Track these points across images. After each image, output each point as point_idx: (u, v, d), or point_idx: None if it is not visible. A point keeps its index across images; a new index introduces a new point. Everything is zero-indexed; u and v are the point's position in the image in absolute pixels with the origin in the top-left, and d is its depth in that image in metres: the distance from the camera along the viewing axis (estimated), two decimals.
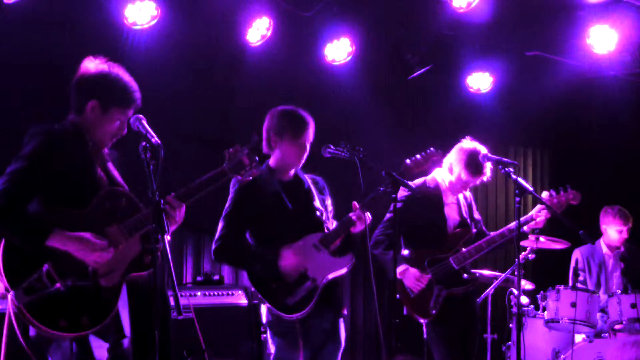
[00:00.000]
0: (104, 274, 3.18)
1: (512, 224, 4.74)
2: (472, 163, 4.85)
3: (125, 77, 3.38)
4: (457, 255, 4.83)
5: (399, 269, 4.70)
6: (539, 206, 4.88)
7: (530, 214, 4.91)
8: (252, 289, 4.23)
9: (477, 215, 5.14)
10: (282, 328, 4.11)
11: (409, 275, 4.78)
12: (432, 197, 4.90)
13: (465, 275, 4.88)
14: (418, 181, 4.93)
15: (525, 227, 4.90)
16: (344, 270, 4.23)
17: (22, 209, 3.08)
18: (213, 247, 4.19)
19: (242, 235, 4.22)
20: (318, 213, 4.27)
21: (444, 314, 4.78)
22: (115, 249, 3.19)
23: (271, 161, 4.28)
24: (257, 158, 3.59)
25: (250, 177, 3.57)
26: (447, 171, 4.96)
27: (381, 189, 4.15)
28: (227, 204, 4.19)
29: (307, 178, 4.37)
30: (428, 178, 4.99)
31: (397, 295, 4.90)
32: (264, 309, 4.17)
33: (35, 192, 3.14)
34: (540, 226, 4.94)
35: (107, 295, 3.19)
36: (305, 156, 4.24)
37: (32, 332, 3.10)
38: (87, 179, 3.25)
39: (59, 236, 3.08)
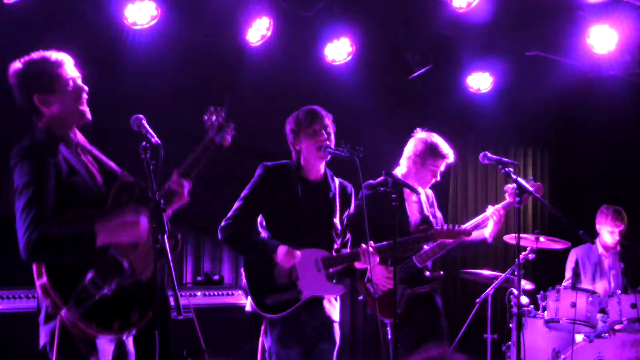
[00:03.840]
0: (141, 270, 3.18)
1: (471, 223, 4.81)
2: (431, 150, 4.84)
3: (37, 54, 3.27)
4: (420, 254, 4.77)
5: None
6: (492, 208, 4.86)
7: (485, 214, 4.88)
8: (242, 275, 4.22)
9: (438, 213, 5.07)
10: (268, 325, 4.13)
11: (377, 274, 4.61)
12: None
13: (428, 273, 4.83)
14: (380, 179, 4.76)
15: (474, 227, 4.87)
16: (331, 296, 4.22)
17: (54, 232, 2.99)
18: (222, 224, 4.19)
19: (254, 220, 4.22)
20: (333, 232, 4.24)
21: (408, 314, 4.72)
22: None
23: (301, 160, 4.27)
24: (231, 120, 3.52)
25: (230, 139, 3.50)
26: (406, 168, 4.92)
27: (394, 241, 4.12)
28: (247, 187, 4.22)
29: (337, 185, 4.34)
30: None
31: (360, 297, 4.89)
32: (248, 300, 4.17)
33: (54, 208, 3.06)
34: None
35: (147, 288, 3.18)
36: (324, 143, 4.15)
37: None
38: (83, 177, 3.22)
39: (105, 232, 3.04)
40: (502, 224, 4.92)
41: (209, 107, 3.50)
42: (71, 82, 3.24)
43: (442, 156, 4.87)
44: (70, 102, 3.24)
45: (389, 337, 4.71)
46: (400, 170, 4.94)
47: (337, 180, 4.36)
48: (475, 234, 4.86)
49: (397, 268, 4.60)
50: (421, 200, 4.96)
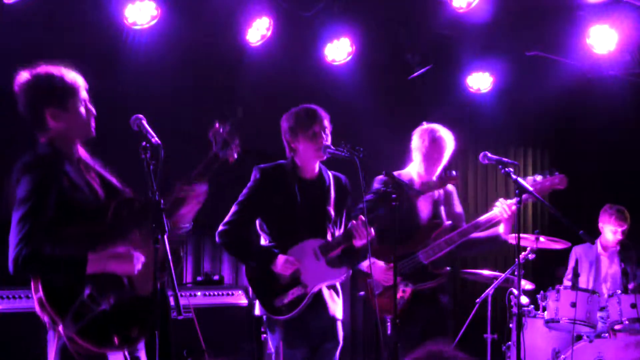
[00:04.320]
0: (142, 285, 3.17)
1: (484, 217, 4.67)
2: (429, 137, 4.76)
3: (55, 69, 3.26)
4: (426, 249, 4.65)
5: (364, 264, 4.55)
6: (501, 203, 4.70)
7: (494, 212, 4.71)
8: (247, 283, 4.25)
9: (457, 209, 4.94)
10: (273, 326, 4.14)
11: (377, 269, 4.56)
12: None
13: (433, 269, 4.68)
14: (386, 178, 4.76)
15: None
16: (337, 281, 4.22)
17: (48, 250, 2.99)
18: (219, 228, 4.20)
19: (251, 223, 4.23)
20: (327, 221, 4.23)
21: (410, 311, 4.61)
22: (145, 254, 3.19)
23: (297, 159, 4.26)
24: (236, 135, 3.52)
25: (236, 155, 3.50)
26: (414, 162, 4.86)
27: (381, 210, 4.11)
28: (243, 191, 4.22)
29: (331, 177, 4.34)
30: (403, 172, 4.83)
31: (361, 293, 4.84)
32: (257, 303, 4.18)
33: (54, 224, 3.06)
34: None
35: (147, 303, 3.17)
36: (323, 144, 4.15)
37: None
38: (84, 193, 3.21)
39: (96, 261, 3.05)
40: (513, 220, 4.76)
41: (214, 123, 3.49)
42: (84, 104, 3.27)
43: (439, 141, 4.76)
44: (80, 122, 3.26)
45: (389, 332, 4.66)
46: (413, 166, 4.89)
47: (330, 173, 4.36)
48: (487, 232, 4.76)
49: (401, 263, 4.59)
50: (434, 195, 4.86)
